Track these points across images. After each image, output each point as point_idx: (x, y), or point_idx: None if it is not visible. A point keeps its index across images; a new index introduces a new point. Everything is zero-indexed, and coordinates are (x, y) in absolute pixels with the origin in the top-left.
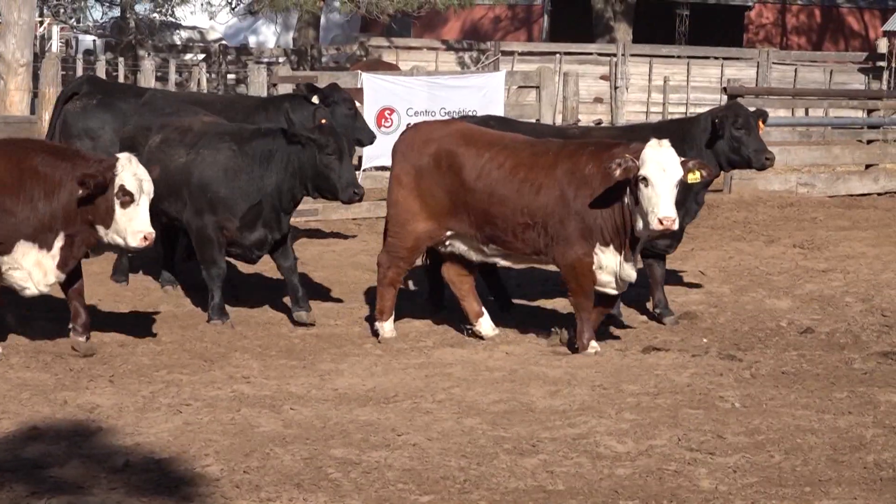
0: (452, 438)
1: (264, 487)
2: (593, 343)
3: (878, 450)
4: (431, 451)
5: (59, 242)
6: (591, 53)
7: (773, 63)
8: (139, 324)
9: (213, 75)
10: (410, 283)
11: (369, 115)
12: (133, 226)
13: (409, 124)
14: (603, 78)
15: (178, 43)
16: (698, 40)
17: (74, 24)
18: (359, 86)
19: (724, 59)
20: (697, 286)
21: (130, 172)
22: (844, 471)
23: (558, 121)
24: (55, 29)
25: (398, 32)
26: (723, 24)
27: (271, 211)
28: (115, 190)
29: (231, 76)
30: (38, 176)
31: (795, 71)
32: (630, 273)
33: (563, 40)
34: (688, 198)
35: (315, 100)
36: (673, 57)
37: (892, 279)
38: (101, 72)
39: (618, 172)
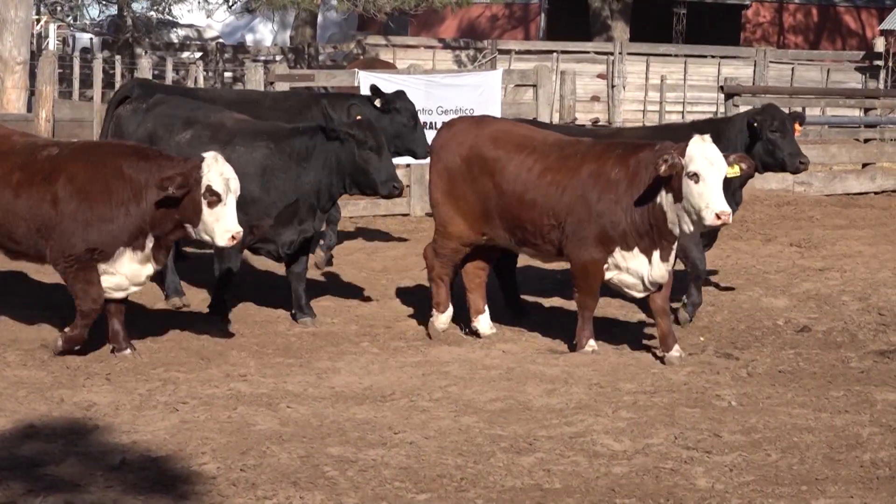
0: (449, 437)
1: (261, 485)
2: (591, 342)
3: (875, 448)
4: (428, 449)
5: (149, 243)
6: (588, 52)
7: (770, 62)
8: (136, 322)
9: (210, 73)
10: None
11: None
12: (221, 225)
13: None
14: (600, 77)
15: (175, 41)
16: (695, 39)
17: (71, 22)
18: (356, 84)
19: (721, 57)
20: None
21: (217, 172)
22: (841, 469)
23: (555, 120)
24: (52, 27)
25: (395, 31)
26: (720, 23)
27: (308, 209)
28: (202, 190)
29: (228, 74)
30: (125, 179)
31: (792, 70)
32: (663, 274)
33: (560, 39)
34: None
35: (377, 103)
36: (670, 56)
37: (888, 278)
38: (97, 70)
39: (663, 168)
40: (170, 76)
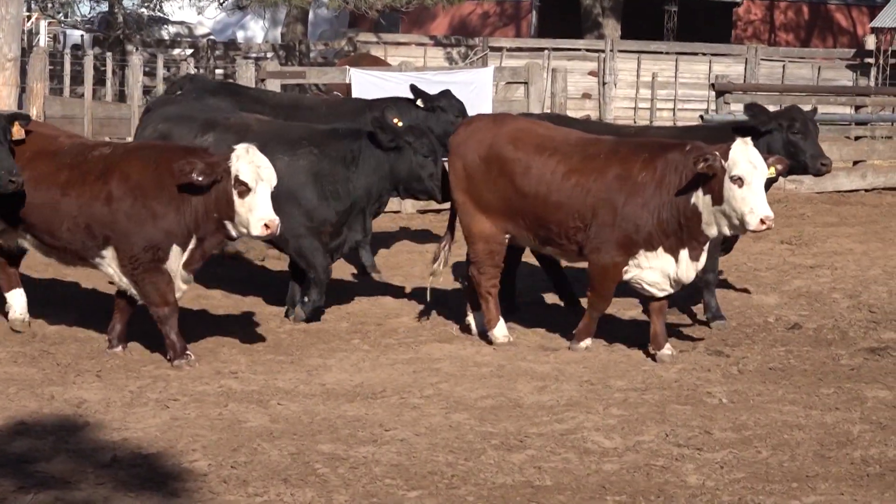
0: (440, 434)
1: (252, 482)
2: (587, 341)
3: (865, 445)
4: (419, 446)
5: (191, 245)
6: (579, 49)
7: (762, 59)
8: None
9: (201, 70)
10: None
11: None
12: (254, 215)
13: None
14: (591, 74)
15: (167, 38)
16: (686, 36)
17: (62, 19)
18: (347, 81)
19: (713, 55)
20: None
21: (246, 161)
22: (831, 466)
23: None
24: (43, 24)
25: (386, 28)
26: (711, 21)
27: (359, 213)
28: (232, 181)
29: (219, 71)
30: (175, 176)
31: (783, 67)
32: (690, 275)
33: (551, 36)
34: None
35: (419, 103)
36: (661, 53)
37: (879, 275)
38: (88, 67)
39: (701, 166)
40: (160, 73)
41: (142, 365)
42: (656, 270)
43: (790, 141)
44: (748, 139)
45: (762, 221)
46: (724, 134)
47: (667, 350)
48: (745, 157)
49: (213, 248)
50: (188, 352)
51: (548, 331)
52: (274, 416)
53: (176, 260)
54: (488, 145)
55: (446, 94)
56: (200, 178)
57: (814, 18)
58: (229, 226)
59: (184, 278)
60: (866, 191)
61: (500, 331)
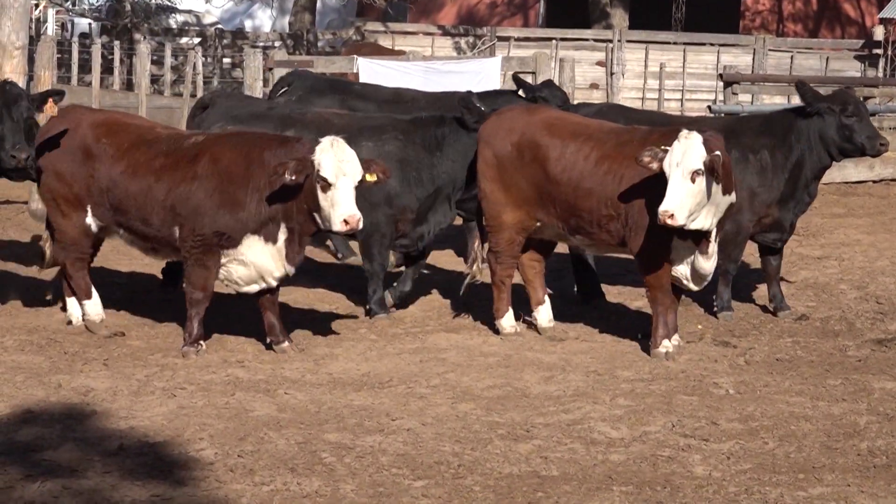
0: (447, 423)
1: (258, 471)
2: (665, 343)
3: (872, 437)
4: (425, 436)
5: (282, 235)
6: (587, 39)
7: (770, 50)
8: (134, 307)
9: (209, 59)
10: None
11: None
12: (336, 211)
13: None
14: (599, 64)
15: (174, 27)
16: (694, 27)
17: (70, 7)
18: (355, 71)
19: (721, 45)
20: None
21: (329, 155)
22: (838, 458)
23: None
24: (51, 12)
25: (394, 17)
26: (719, 11)
27: (444, 200)
28: (315, 175)
29: (227, 60)
30: (265, 167)
31: (791, 58)
32: (708, 267)
33: (559, 26)
34: (797, 189)
35: (521, 93)
36: (669, 43)
37: (886, 266)
38: (96, 55)
39: (655, 165)
40: (168, 62)
41: (149, 353)
42: (689, 263)
43: (844, 124)
44: (693, 133)
45: (659, 215)
46: (777, 122)
47: (674, 340)
48: (672, 150)
49: (308, 238)
50: (201, 342)
51: (554, 321)
52: (281, 405)
53: (255, 250)
54: (521, 132)
55: (548, 83)
56: (294, 178)
57: (822, 9)
58: (317, 218)
59: (287, 271)
60: (874, 182)
61: (508, 321)
